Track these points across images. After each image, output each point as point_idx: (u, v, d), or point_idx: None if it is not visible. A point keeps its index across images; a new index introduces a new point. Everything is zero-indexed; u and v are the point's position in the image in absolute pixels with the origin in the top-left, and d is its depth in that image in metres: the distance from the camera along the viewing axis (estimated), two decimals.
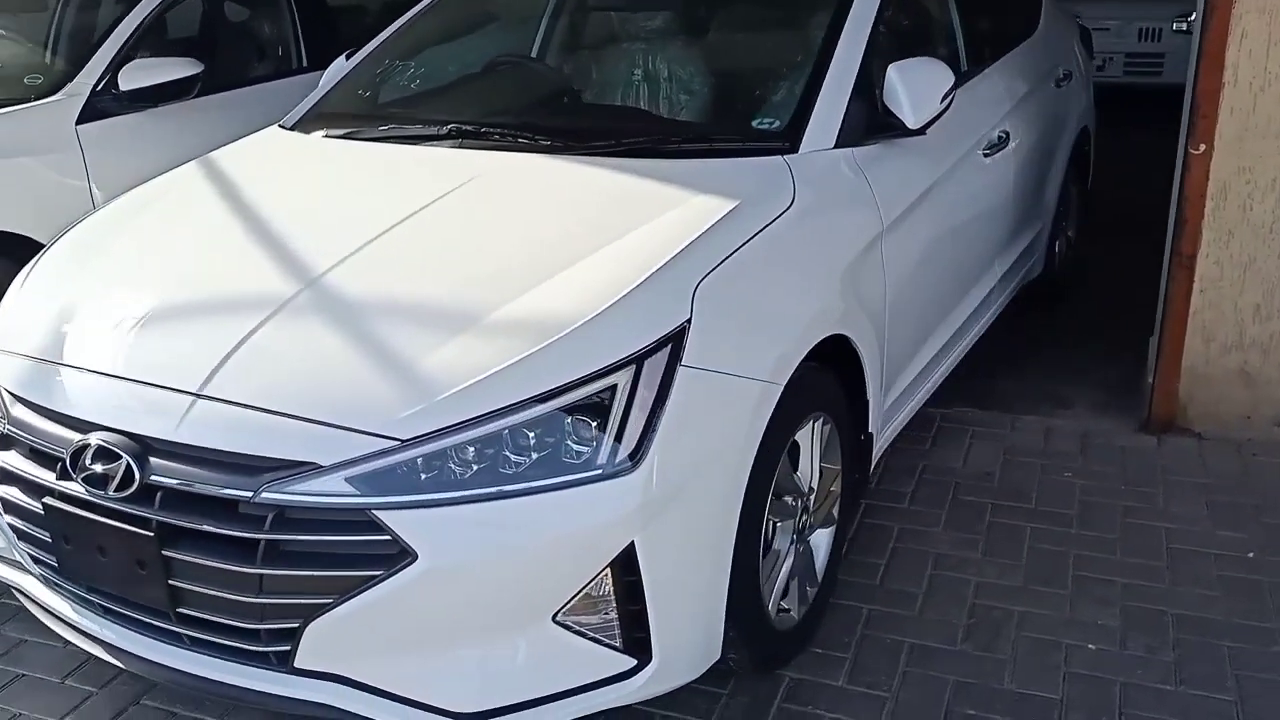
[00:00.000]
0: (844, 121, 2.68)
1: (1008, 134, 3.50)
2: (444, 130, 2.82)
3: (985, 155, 3.34)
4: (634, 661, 2.01)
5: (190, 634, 2.06)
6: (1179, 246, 3.41)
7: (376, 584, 1.87)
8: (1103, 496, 3.23)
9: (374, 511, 1.87)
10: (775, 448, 2.24)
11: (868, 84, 2.78)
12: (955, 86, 3.23)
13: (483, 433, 1.90)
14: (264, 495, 1.90)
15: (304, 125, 3.11)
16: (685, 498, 1.99)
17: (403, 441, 1.88)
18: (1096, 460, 3.44)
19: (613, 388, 1.94)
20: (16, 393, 2.22)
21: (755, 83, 2.91)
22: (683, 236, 2.21)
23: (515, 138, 2.73)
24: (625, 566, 1.94)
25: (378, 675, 1.96)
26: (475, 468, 1.90)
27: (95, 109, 3.86)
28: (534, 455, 1.91)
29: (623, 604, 1.97)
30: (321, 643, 1.94)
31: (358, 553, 1.90)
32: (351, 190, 2.65)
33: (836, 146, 2.65)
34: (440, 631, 1.94)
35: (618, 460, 1.92)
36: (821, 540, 2.64)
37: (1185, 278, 3.41)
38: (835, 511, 2.66)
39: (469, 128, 2.79)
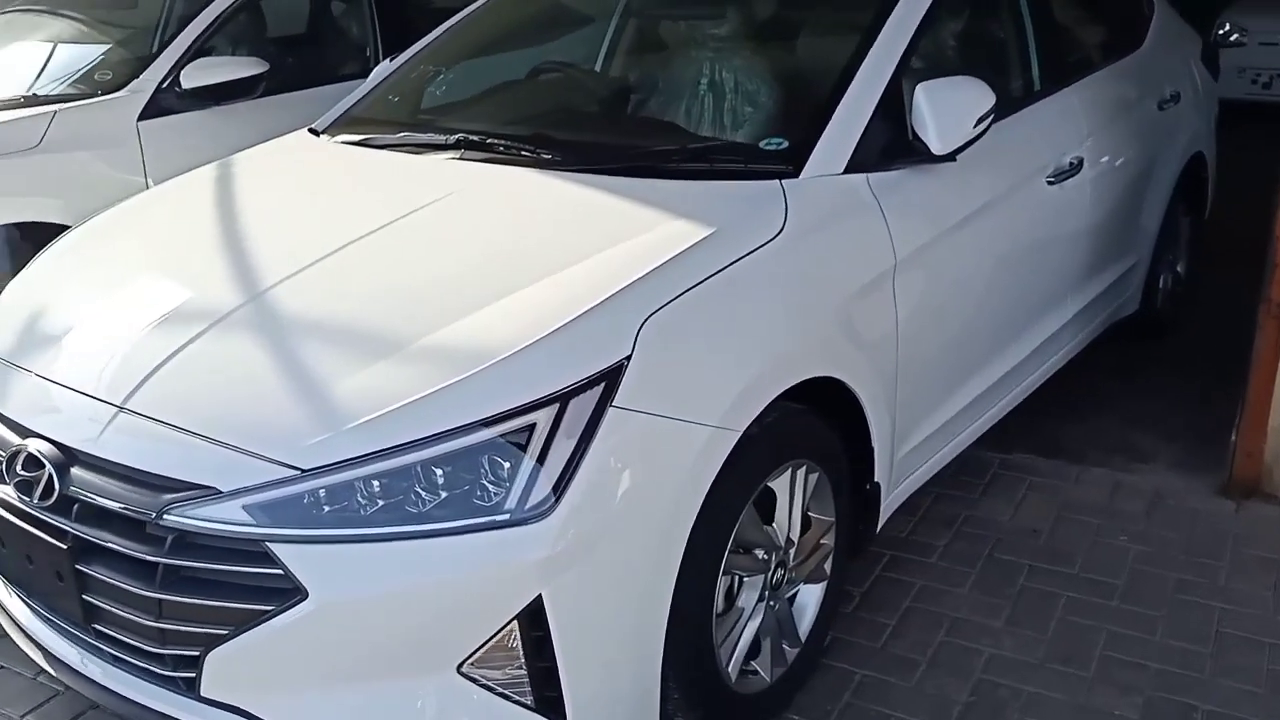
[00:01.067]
0: (860, 144, 2.47)
1: (1081, 160, 3.19)
2: (449, 140, 2.72)
3: (1051, 182, 3.06)
4: None
5: (108, 651, 2.01)
6: (1269, 293, 3.05)
7: (268, 619, 1.78)
8: (1157, 566, 2.91)
9: (268, 543, 1.77)
10: (733, 498, 2.06)
11: (898, 104, 2.56)
12: (1016, 107, 3.00)
13: (389, 467, 1.79)
14: (166, 517, 1.83)
15: (330, 129, 3.07)
16: (606, 550, 1.84)
17: (303, 471, 1.79)
18: (1161, 523, 3.11)
19: (531, 427, 1.80)
20: None
21: (771, 100, 2.72)
22: (643, 265, 2.05)
23: (513, 151, 2.61)
24: (532, 621, 1.80)
25: (276, 712, 1.87)
26: (380, 503, 1.79)
27: (158, 106, 3.93)
28: (443, 494, 1.79)
29: (532, 660, 1.83)
30: (223, 673, 1.87)
31: (253, 585, 1.81)
32: (333, 200, 2.58)
33: (849, 171, 2.43)
34: (338, 673, 1.83)
35: (528, 506, 1.77)
36: (809, 597, 2.44)
37: (1274, 328, 3.06)
38: (828, 567, 2.45)
39: (474, 138, 2.68)
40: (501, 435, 1.80)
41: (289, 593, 1.77)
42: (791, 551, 2.32)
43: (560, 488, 1.79)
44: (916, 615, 2.73)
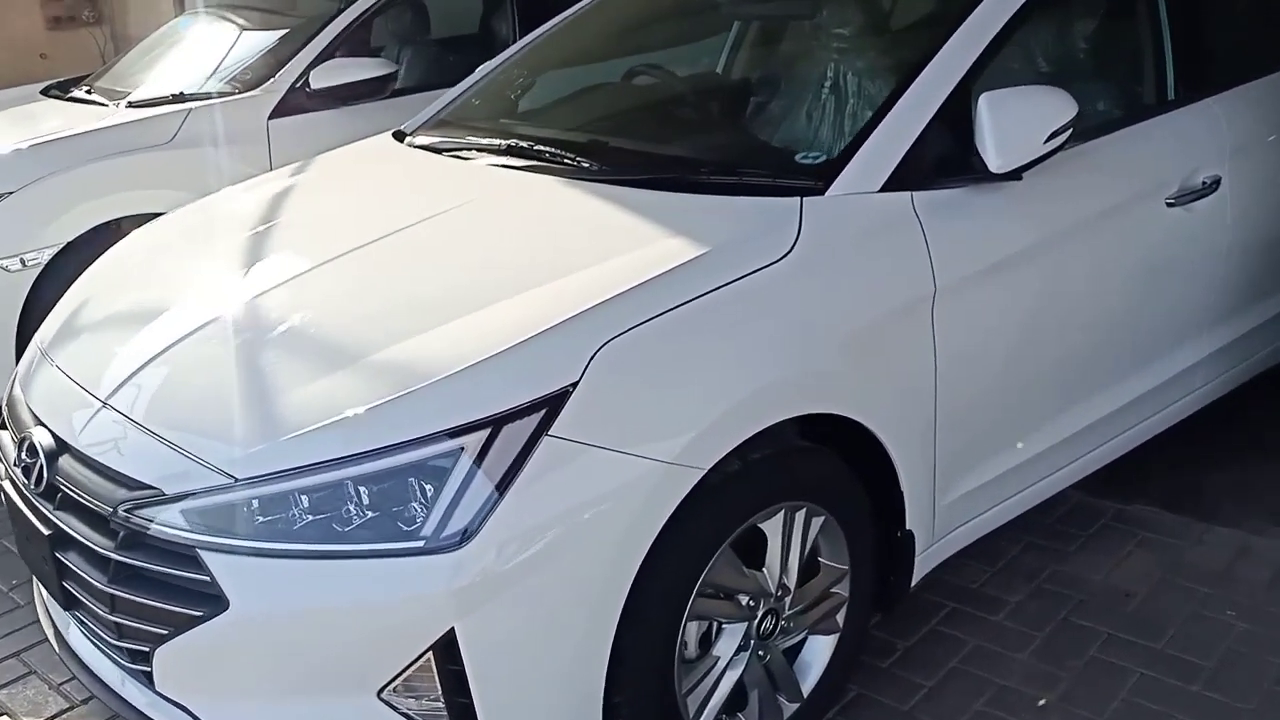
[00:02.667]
0: (908, 160, 2.25)
1: (1218, 180, 2.82)
2: (500, 145, 2.68)
3: (1172, 204, 2.71)
4: None
5: (90, 638, 2.08)
6: None
7: (199, 624, 1.79)
8: (1262, 650, 2.53)
9: (199, 550, 1.78)
10: (701, 538, 1.92)
11: (963, 116, 2.31)
12: (1134, 119, 2.69)
13: (319, 481, 1.76)
14: (120, 514, 1.87)
15: (413, 132, 3.08)
16: (532, 586, 1.74)
17: (236, 480, 1.78)
18: None
19: (459, 450, 1.73)
20: (18, 383, 2.35)
21: (819, 109, 2.52)
22: (620, 285, 1.93)
23: (549, 159, 2.54)
24: (447, 653, 1.73)
25: (216, 716, 1.88)
26: (309, 518, 1.76)
27: (288, 105, 4.10)
28: (369, 514, 1.74)
29: (449, 694, 1.76)
30: (170, 671, 1.89)
31: (190, 589, 1.82)
32: (363, 206, 2.58)
33: (889, 189, 2.22)
34: (267, 686, 1.82)
35: (445, 534, 1.70)
36: (816, 650, 2.26)
37: None
38: (840, 618, 2.26)
39: (517, 145, 2.63)
40: (428, 458, 1.73)
41: (217, 600, 1.77)
42: (787, 599, 2.14)
43: (481, 517, 1.70)
44: (959, 679, 2.48)
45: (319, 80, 4.11)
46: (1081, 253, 2.51)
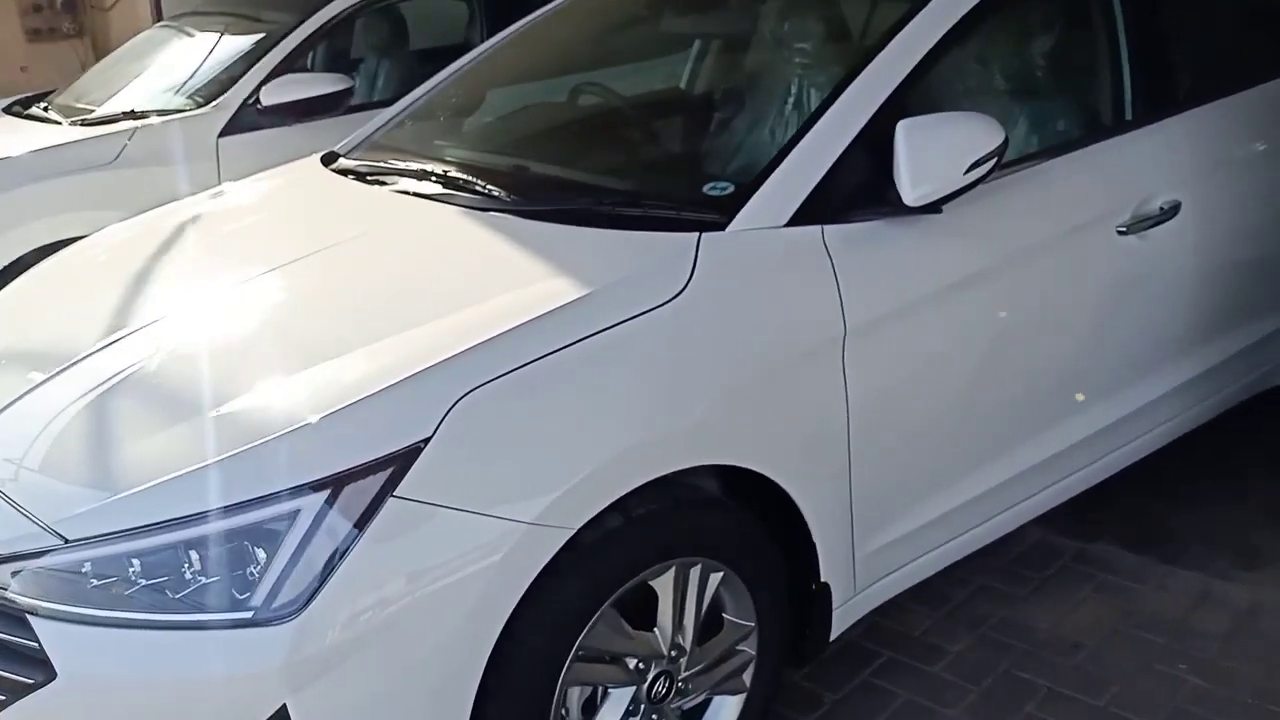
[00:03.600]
0: (819, 192, 2.11)
1: (1178, 205, 2.66)
2: (412, 171, 2.56)
3: (1124, 233, 2.56)
4: None
5: None
6: None
7: (31, 693, 1.68)
8: (1211, 709, 2.38)
9: (28, 615, 1.67)
10: (576, 601, 1.80)
11: (884, 145, 2.17)
12: (1082, 143, 2.54)
13: (151, 545, 1.65)
14: None
15: (345, 154, 2.97)
16: (374, 658, 1.62)
17: (67, 541, 1.68)
18: (1240, 652, 2.55)
19: (295, 513, 1.61)
20: None
21: (735, 137, 2.39)
22: (488, 329, 1.81)
23: (456, 187, 2.42)
24: None
25: None
26: (143, 584, 1.65)
27: (239, 123, 4.01)
28: (201, 581, 1.63)
29: None
30: None
31: (25, 655, 1.71)
32: (254, 237, 2.48)
33: (797, 223, 2.09)
34: None
35: (276, 605, 1.59)
36: (722, 711, 2.13)
37: None
38: (747, 677, 2.13)
39: (432, 171, 2.51)
40: (262, 521, 1.62)
41: (46, 667, 1.66)
42: (683, 660, 2.01)
43: (317, 586, 1.59)
44: None
45: (270, 96, 4.02)
46: (1017, 287, 2.36)
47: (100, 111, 4.18)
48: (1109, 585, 2.83)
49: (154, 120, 4.00)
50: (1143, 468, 3.13)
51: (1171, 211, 2.66)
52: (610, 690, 1.95)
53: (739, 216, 2.07)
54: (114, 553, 1.65)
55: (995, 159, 2.14)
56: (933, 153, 2.11)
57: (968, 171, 2.11)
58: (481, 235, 2.20)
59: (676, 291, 1.93)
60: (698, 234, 2.04)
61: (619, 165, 2.40)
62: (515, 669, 1.76)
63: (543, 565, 1.72)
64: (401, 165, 2.62)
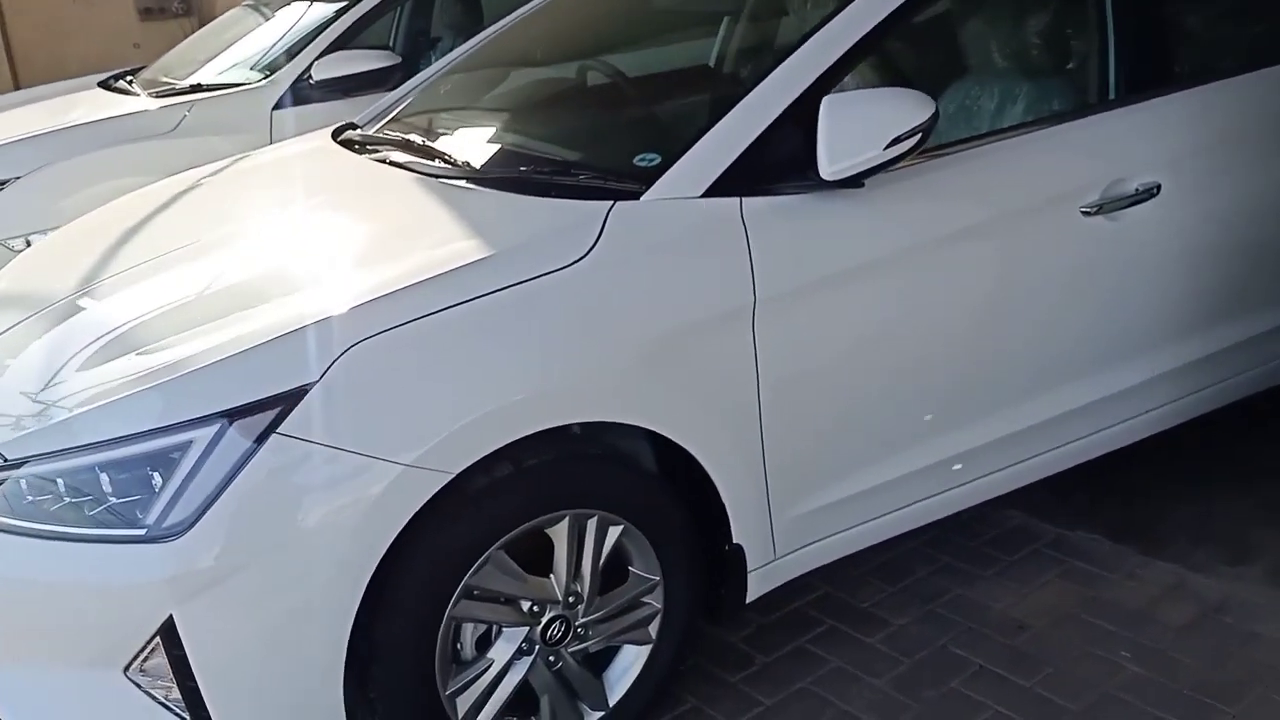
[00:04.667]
0: (739, 165, 2.17)
1: (1157, 186, 2.61)
2: (395, 140, 2.72)
3: (1089, 213, 2.53)
4: None
5: None
6: None
7: None
8: (1143, 698, 2.35)
9: None
10: (460, 541, 1.93)
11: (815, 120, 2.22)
12: (1056, 120, 2.52)
13: (73, 465, 1.84)
14: None
15: (360, 125, 3.15)
16: (251, 580, 1.78)
17: (6, 460, 1.88)
18: (1192, 645, 2.51)
19: (188, 443, 1.78)
20: None
21: (675, 112, 2.46)
22: (395, 284, 1.95)
23: (421, 155, 2.56)
24: (170, 639, 1.79)
25: None
26: (67, 501, 1.85)
27: (293, 96, 4.25)
28: (112, 500, 1.82)
29: (179, 678, 1.82)
30: None
31: None
32: (232, 200, 2.67)
33: (714, 194, 2.16)
34: (29, 652, 1.91)
35: (165, 524, 1.76)
36: (627, 660, 2.23)
37: None
38: (653, 630, 2.22)
39: (409, 140, 2.67)
40: (164, 449, 1.79)
41: None
42: (580, 607, 2.12)
43: (201, 510, 1.76)
44: (802, 700, 2.40)
45: (321, 72, 4.25)
46: (952, 268, 2.36)
47: (173, 85, 4.48)
48: (1076, 572, 2.81)
49: (215, 94, 4.27)
50: (1147, 456, 3.09)
51: (1149, 193, 2.61)
52: (504, 628, 2.07)
53: (655, 186, 2.15)
54: (46, 471, 1.85)
55: (919, 135, 2.16)
56: (853, 127, 2.14)
57: (888, 146, 2.14)
58: (425, 200, 2.34)
59: (579, 256, 2.03)
60: (611, 202, 2.13)
61: (568, 138, 2.50)
62: (402, 599, 1.90)
63: (420, 505, 1.85)
64: (385, 136, 2.78)
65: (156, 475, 1.79)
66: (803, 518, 2.34)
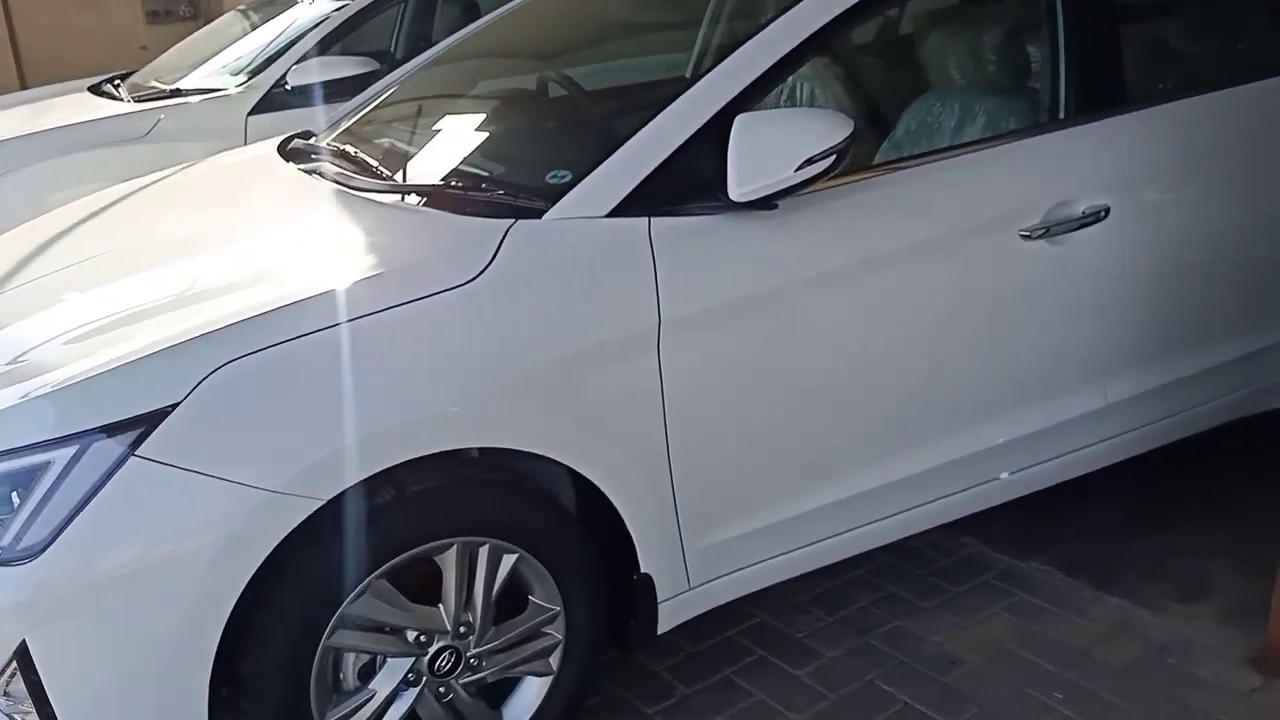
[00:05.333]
0: (648, 184, 2.11)
1: (1106, 209, 2.52)
2: (326, 149, 2.68)
3: (1029, 237, 2.44)
4: None
5: None
6: None
7: None
8: None
9: None
10: (334, 569, 1.87)
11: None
12: (1002, 139, 2.45)
13: None
14: None
15: (319, 134, 3.11)
16: (111, 605, 1.73)
17: None
18: (1128, 687, 2.40)
19: (46, 464, 1.74)
20: None
21: (594, 127, 2.39)
22: (273, 303, 1.90)
23: (344, 166, 2.52)
24: (25, 664, 1.74)
25: None
26: None
27: (269, 102, 4.23)
28: None
29: (37, 703, 1.77)
30: None
31: None
32: (157, 210, 2.65)
33: (620, 214, 2.09)
34: None
35: (20, 546, 1.72)
36: (526, 693, 2.17)
37: None
38: (554, 661, 2.16)
39: (341, 150, 2.63)
40: (22, 469, 1.75)
41: None
42: (471, 638, 2.06)
43: (56, 532, 1.72)
44: None
45: (296, 78, 4.23)
46: (874, 293, 2.28)
47: (155, 89, 4.49)
48: (1023, 606, 2.71)
49: (191, 99, 4.27)
50: (1112, 489, 3.00)
51: (1096, 216, 2.51)
52: (388, 659, 2.01)
53: (558, 205, 2.09)
54: None
55: (834, 156, 2.08)
56: (764, 148, 2.07)
57: (800, 168, 2.06)
58: (336, 215, 2.30)
59: (471, 276, 1.97)
60: (513, 221, 2.07)
61: (492, 153, 2.44)
62: (271, 630, 1.84)
63: (286, 533, 1.79)
64: (322, 146, 2.74)
65: (15, 495, 1.75)
66: (717, 547, 2.27)
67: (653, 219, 2.10)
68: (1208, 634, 2.56)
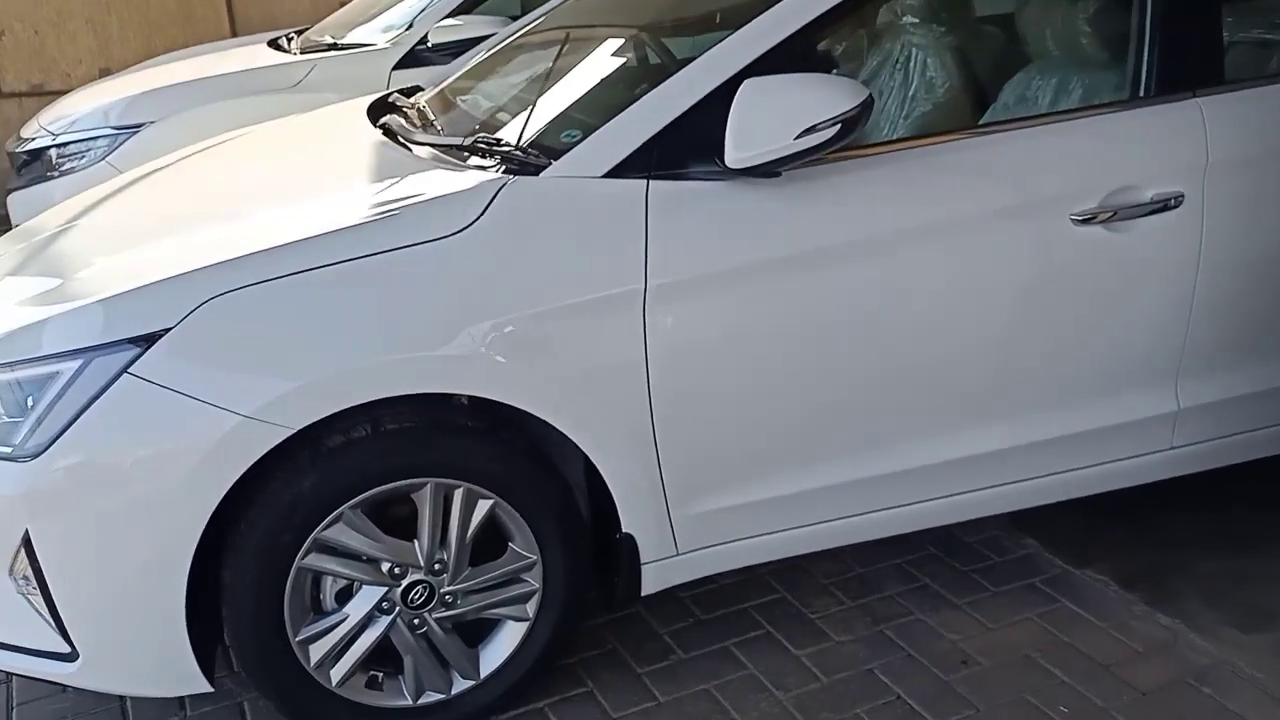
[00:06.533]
0: (652, 146, 2.11)
1: (1178, 197, 2.34)
2: (393, 107, 2.81)
3: (1082, 222, 2.30)
4: (69, 647, 2.01)
5: None
6: None
7: None
8: None
9: None
10: (306, 495, 1.98)
11: None
12: (1067, 115, 2.34)
13: None
14: None
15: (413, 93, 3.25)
16: (96, 505, 1.91)
17: None
18: (1149, 713, 2.25)
19: (55, 374, 1.93)
20: None
21: (622, 91, 2.39)
22: (269, 243, 2.03)
23: (405, 122, 2.64)
24: (29, 551, 1.95)
25: None
26: None
27: (412, 58, 4.42)
28: (3, 418, 1.99)
29: (41, 586, 1.98)
30: None
31: None
32: (237, 156, 2.82)
33: (619, 175, 2.10)
34: None
35: (29, 445, 1.91)
36: (504, 634, 2.24)
37: None
38: (530, 608, 2.22)
39: (404, 108, 2.75)
40: (38, 377, 1.95)
41: None
42: (445, 575, 2.14)
43: (56, 435, 1.90)
44: (696, 703, 2.33)
45: (436, 36, 4.40)
46: (882, 271, 2.20)
47: (318, 43, 4.77)
48: (1061, 613, 2.57)
49: (343, 53, 4.52)
50: (1198, 503, 2.84)
51: (1168, 204, 2.34)
52: (362, 585, 2.12)
53: (556, 164, 2.12)
54: None
55: (839, 125, 2.02)
56: (765, 113, 2.04)
57: (800, 136, 2.02)
58: (371, 164, 2.42)
59: (460, 228, 2.03)
60: (510, 177, 2.12)
61: (529, 112, 2.48)
62: (246, 544, 1.99)
63: (259, 455, 1.92)
64: (401, 102, 2.87)
65: (30, 400, 1.95)
66: (709, 516, 2.27)
67: (652, 181, 2.10)
68: (1258, 666, 2.36)
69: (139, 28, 6.94)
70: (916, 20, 2.88)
